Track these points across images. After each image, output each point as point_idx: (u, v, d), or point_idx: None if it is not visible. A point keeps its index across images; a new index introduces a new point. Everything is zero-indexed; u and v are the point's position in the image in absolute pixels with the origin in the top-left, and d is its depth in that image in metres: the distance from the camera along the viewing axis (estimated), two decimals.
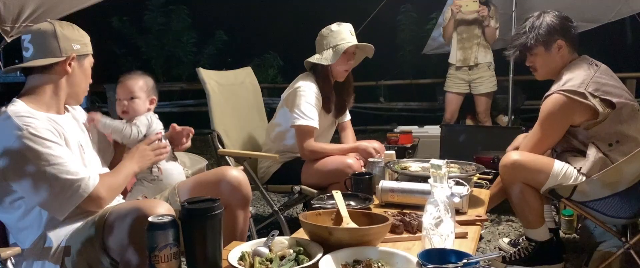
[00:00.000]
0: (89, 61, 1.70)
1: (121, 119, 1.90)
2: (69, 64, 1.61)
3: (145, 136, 1.87)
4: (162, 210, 1.39)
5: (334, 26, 2.59)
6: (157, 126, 1.93)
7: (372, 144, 2.55)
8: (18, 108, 1.51)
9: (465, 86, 4.60)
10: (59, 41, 1.58)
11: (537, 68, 2.27)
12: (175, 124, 2.03)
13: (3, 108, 1.52)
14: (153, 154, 1.83)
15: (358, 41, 2.59)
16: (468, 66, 4.53)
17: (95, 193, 1.50)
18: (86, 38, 1.69)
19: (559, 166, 2.10)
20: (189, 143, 2.03)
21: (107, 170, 1.78)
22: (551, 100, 2.12)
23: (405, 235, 1.64)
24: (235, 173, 1.88)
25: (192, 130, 2.02)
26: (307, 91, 2.53)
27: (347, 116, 2.89)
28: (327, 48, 2.55)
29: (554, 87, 2.14)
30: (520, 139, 2.46)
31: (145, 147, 1.81)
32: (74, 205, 1.47)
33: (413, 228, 1.65)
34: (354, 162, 2.41)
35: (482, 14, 4.29)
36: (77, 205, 1.47)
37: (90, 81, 1.74)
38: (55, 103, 1.63)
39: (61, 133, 1.55)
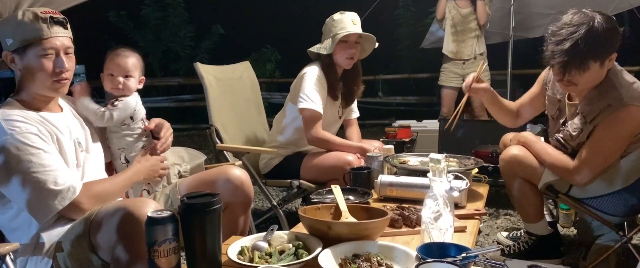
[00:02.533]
0: (36, 51, 1.49)
1: (110, 93, 1.84)
2: (12, 62, 1.52)
3: (131, 118, 1.82)
4: (149, 209, 1.36)
5: (336, 15, 2.58)
6: (142, 110, 1.88)
7: (374, 146, 2.57)
8: (9, 109, 1.49)
9: (459, 80, 4.63)
10: None
11: (579, 83, 1.86)
12: (151, 123, 1.90)
13: None
14: (159, 168, 1.81)
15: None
16: (462, 59, 4.55)
17: (76, 203, 1.46)
18: (26, 25, 1.47)
19: None
20: (167, 141, 1.87)
21: (102, 164, 1.77)
22: (629, 114, 1.82)
23: (404, 229, 1.64)
24: (238, 173, 1.84)
25: (165, 124, 1.90)
26: (310, 76, 2.53)
27: (355, 113, 2.87)
28: (327, 37, 2.56)
29: (618, 97, 1.83)
30: (510, 136, 2.45)
31: (156, 161, 1.79)
32: (52, 213, 1.45)
33: (412, 222, 1.65)
34: (353, 159, 2.41)
35: None
36: (56, 213, 1.45)
37: (66, 68, 1.54)
38: (42, 99, 1.58)
39: (53, 133, 1.52)
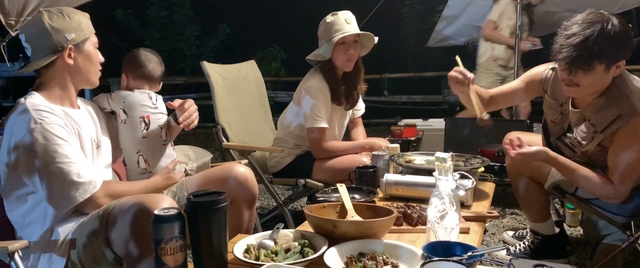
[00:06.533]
0: (92, 43, 1.65)
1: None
2: (69, 56, 1.58)
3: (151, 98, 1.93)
4: (165, 204, 1.39)
5: (329, 17, 2.51)
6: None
7: (381, 141, 2.58)
8: (36, 100, 1.53)
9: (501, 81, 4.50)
10: (52, 36, 1.54)
11: (581, 85, 1.80)
12: (175, 102, 1.93)
13: (21, 100, 1.53)
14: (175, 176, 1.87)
15: (361, 30, 2.53)
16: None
17: (94, 198, 1.51)
18: (82, 21, 1.61)
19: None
20: (193, 120, 1.88)
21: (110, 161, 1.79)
22: None
23: (404, 226, 1.65)
24: (242, 170, 1.87)
25: (192, 102, 1.91)
26: (314, 91, 2.51)
27: (361, 111, 2.85)
28: (323, 41, 2.52)
29: (630, 105, 1.78)
30: (512, 135, 2.43)
31: (170, 169, 1.87)
32: (73, 204, 1.48)
33: (413, 221, 1.65)
34: (368, 161, 2.40)
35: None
36: (74, 205, 1.49)
37: (102, 59, 1.69)
38: (68, 95, 1.63)
39: (76, 129, 1.57)
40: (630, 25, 1.79)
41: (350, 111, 2.77)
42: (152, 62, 1.95)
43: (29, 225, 1.54)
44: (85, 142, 1.61)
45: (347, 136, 2.84)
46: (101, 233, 1.42)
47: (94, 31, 1.65)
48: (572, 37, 1.73)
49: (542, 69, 2.11)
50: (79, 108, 1.69)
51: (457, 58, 2.13)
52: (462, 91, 2.07)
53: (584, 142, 1.93)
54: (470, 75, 2.03)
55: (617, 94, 1.83)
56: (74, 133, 1.55)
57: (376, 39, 2.58)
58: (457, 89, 2.08)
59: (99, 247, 1.43)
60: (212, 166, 2.11)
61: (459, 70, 2.05)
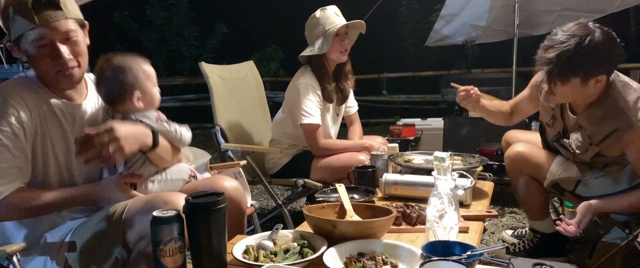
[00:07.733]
0: (33, 41, 1.35)
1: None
2: (17, 51, 1.40)
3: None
4: (183, 201, 1.30)
5: (318, 13, 2.56)
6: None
7: (378, 142, 2.58)
8: (15, 84, 1.41)
9: None
10: None
11: (557, 94, 1.83)
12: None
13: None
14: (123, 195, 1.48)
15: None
16: None
17: None
18: (15, 15, 1.34)
19: (560, 159, 2.09)
20: (106, 157, 1.38)
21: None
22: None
23: (404, 226, 1.65)
24: (227, 185, 1.67)
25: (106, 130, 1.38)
26: (304, 88, 2.53)
27: (354, 108, 2.87)
28: (317, 38, 2.54)
29: (626, 120, 1.78)
30: (512, 134, 2.44)
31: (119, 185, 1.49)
32: None
33: (412, 220, 1.65)
34: (366, 159, 2.41)
35: None
36: None
37: (67, 57, 1.38)
38: (56, 84, 1.46)
39: (44, 123, 1.42)
40: (617, 38, 1.75)
41: (343, 107, 2.78)
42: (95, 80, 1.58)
43: (7, 227, 1.51)
44: (58, 139, 1.46)
45: (344, 135, 2.84)
46: (111, 234, 1.38)
47: (34, 26, 1.33)
48: (548, 50, 1.75)
49: (539, 72, 2.13)
50: (84, 98, 1.54)
51: (454, 84, 2.26)
52: (476, 106, 2.19)
53: (578, 151, 1.94)
54: (474, 88, 2.15)
55: (614, 108, 1.82)
56: (30, 130, 1.39)
57: (364, 30, 2.65)
58: (470, 107, 2.20)
59: (107, 247, 1.39)
60: (211, 167, 2.10)
61: (464, 88, 2.15)
